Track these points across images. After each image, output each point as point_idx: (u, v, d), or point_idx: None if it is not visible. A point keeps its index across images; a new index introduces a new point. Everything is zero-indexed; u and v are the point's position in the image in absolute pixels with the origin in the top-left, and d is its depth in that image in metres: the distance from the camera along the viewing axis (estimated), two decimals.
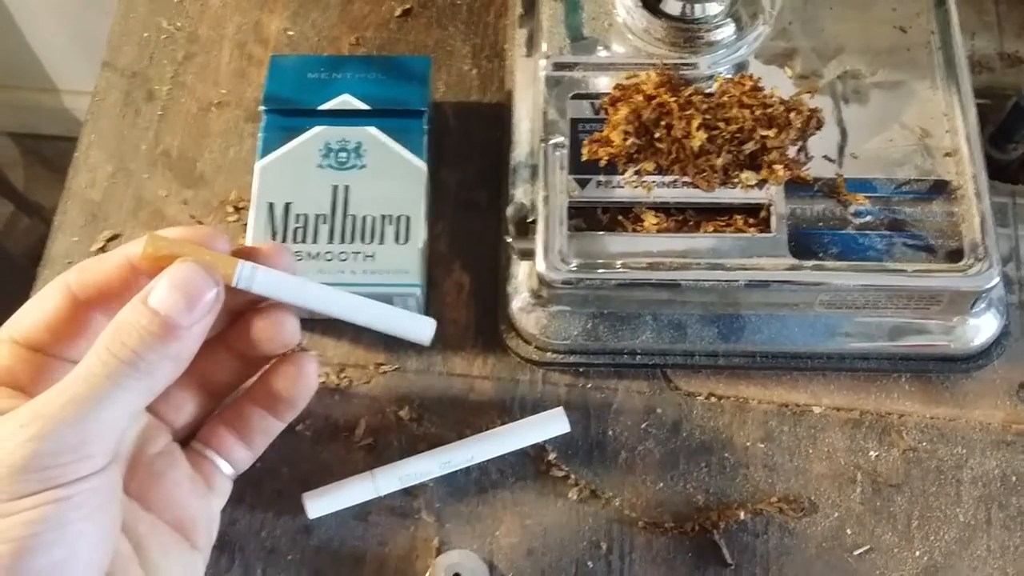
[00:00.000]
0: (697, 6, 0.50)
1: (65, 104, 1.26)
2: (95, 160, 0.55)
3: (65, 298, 0.37)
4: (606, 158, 0.48)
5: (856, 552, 0.46)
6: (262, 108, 0.51)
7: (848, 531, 0.46)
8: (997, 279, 0.45)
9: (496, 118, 0.55)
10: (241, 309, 0.39)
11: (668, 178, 0.48)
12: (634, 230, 0.47)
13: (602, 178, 0.48)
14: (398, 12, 0.59)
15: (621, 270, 0.46)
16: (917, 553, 0.46)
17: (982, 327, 0.48)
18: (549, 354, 0.49)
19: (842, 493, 0.47)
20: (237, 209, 0.53)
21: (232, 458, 0.41)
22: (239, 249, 0.38)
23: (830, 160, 0.48)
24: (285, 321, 0.39)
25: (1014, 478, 0.47)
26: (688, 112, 0.47)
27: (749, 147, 0.47)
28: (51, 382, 0.36)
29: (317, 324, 0.51)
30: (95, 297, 0.37)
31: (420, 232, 0.49)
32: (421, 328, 0.39)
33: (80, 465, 0.32)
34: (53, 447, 0.32)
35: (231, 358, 0.40)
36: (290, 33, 0.58)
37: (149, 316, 0.34)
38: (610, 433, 0.48)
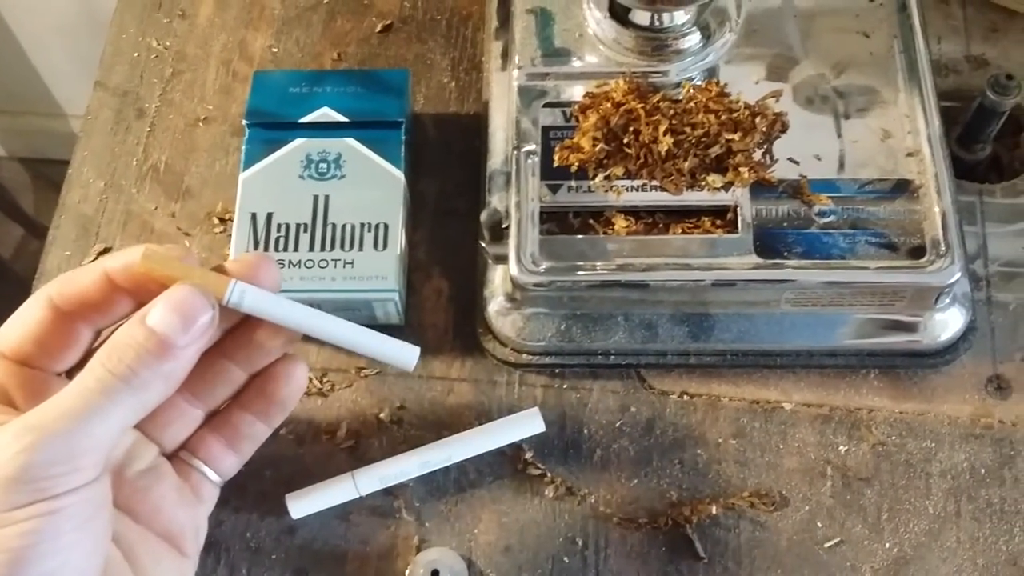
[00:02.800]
0: (665, 16, 0.52)
1: (73, 129, 1.28)
2: (87, 176, 0.57)
3: (48, 310, 0.38)
4: (576, 164, 0.49)
5: (827, 544, 0.47)
6: (245, 122, 0.53)
7: (819, 524, 0.47)
8: (958, 274, 0.46)
9: (474, 128, 0.56)
10: (238, 321, 0.40)
11: (637, 182, 0.49)
12: (605, 233, 0.49)
13: (573, 183, 0.49)
14: (379, 28, 0.60)
15: (591, 272, 0.47)
16: (887, 545, 0.47)
17: (948, 322, 0.49)
18: (525, 356, 0.50)
19: (812, 487, 0.48)
20: (222, 220, 0.55)
21: (219, 466, 0.42)
22: (222, 264, 0.39)
23: (794, 162, 0.49)
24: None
25: (983, 470, 0.48)
26: (655, 118, 0.49)
27: (715, 151, 0.48)
28: (38, 395, 0.37)
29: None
30: (77, 308, 0.38)
31: (398, 239, 0.50)
32: (405, 355, 0.40)
33: (71, 477, 0.33)
34: (45, 459, 0.33)
35: (225, 369, 0.41)
36: (274, 50, 0.60)
37: (146, 334, 0.35)
38: (585, 432, 0.50)
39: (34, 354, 0.38)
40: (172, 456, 0.42)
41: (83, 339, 0.39)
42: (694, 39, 0.52)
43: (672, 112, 0.49)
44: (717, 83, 0.50)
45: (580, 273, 0.47)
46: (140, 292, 0.37)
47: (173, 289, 0.36)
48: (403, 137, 0.52)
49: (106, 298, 0.38)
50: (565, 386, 0.51)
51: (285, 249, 0.50)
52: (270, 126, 0.53)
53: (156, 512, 0.39)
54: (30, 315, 0.38)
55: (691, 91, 0.50)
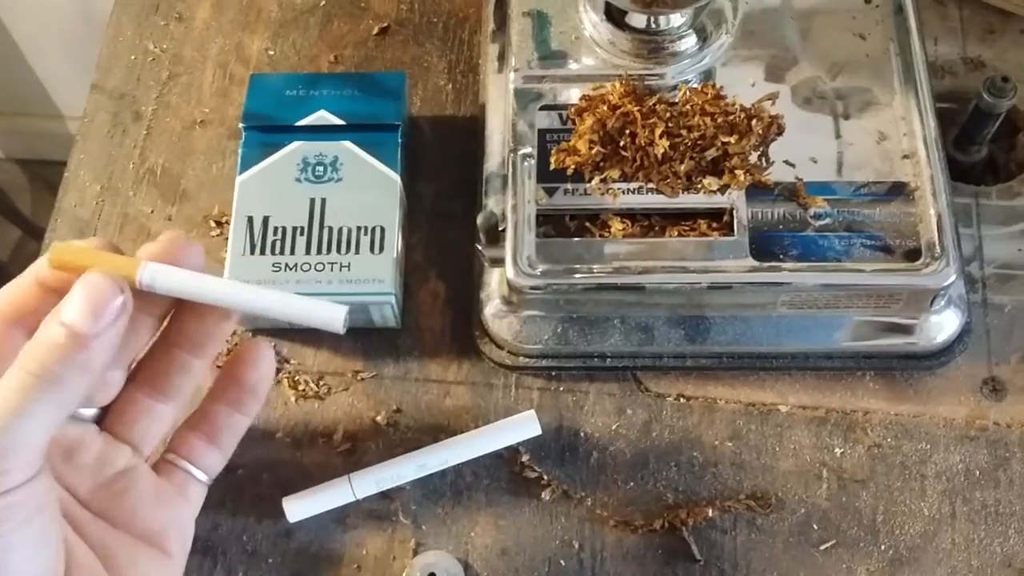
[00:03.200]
0: (661, 18, 0.52)
1: (71, 130, 1.28)
2: (84, 179, 0.57)
3: None
4: (573, 167, 0.49)
5: (822, 547, 0.47)
6: (241, 125, 0.53)
7: (814, 526, 0.47)
8: (953, 277, 0.46)
9: (471, 131, 0.56)
10: (172, 306, 0.40)
11: (633, 185, 0.49)
12: (601, 236, 0.49)
13: (569, 186, 0.49)
14: (375, 30, 0.60)
15: (587, 274, 0.47)
16: (883, 547, 0.47)
17: (944, 324, 0.49)
18: (522, 358, 0.50)
19: (808, 489, 0.48)
20: (219, 224, 0.55)
21: (203, 463, 0.42)
22: (144, 249, 0.38)
23: (790, 165, 0.49)
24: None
25: (977, 472, 0.48)
26: (651, 121, 0.49)
27: (711, 153, 0.48)
28: None
29: (297, 334, 0.52)
30: (16, 318, 0.37)
31: (394, 242, 0.50)
32: (332, 316, 0.38)
33: (0, 479, 0.33)
34: None
35: (177, 358, 0.41)
36: (271, 53, 0.60)
37: (57, 329, 0.35)
38: (582, 434, 0.50)
39: None
40: (158, 459, 0.42)
41: (20, 346, 0.39)
42: (690, 41, 0.52)
43: (668, 115, 0.49)
44: (713, 86, 0.50)
45: (576, 276, 0.47)
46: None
47: (82, 278, 0.36)
48: (400, 140, 0.52)
49: (43, 304, 0.37)
50: (562, 389, 0.51)
51: (282, 252, 0.50)
52: (267, 129, 0.53)
53: (133, 514, 0.39)
54: None
55: (687, 94, 0.50)
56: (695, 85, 0.51)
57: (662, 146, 0.48)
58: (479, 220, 0.49)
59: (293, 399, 0.51)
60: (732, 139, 0.48)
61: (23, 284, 0.38)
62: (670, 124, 0.49)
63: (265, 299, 0.38)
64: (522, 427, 0.48)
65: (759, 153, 0.49)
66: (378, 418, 0.50)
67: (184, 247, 0.38)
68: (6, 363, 0.37)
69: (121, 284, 0.36)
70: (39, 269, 0.37)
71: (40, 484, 0.35)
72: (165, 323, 0.40)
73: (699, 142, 0.49)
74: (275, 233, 0.50)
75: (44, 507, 0.35)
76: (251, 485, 0.49)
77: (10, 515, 0.33)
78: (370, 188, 0.51)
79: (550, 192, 0.49)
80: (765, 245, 0.47)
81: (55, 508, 0.36)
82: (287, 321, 0.38)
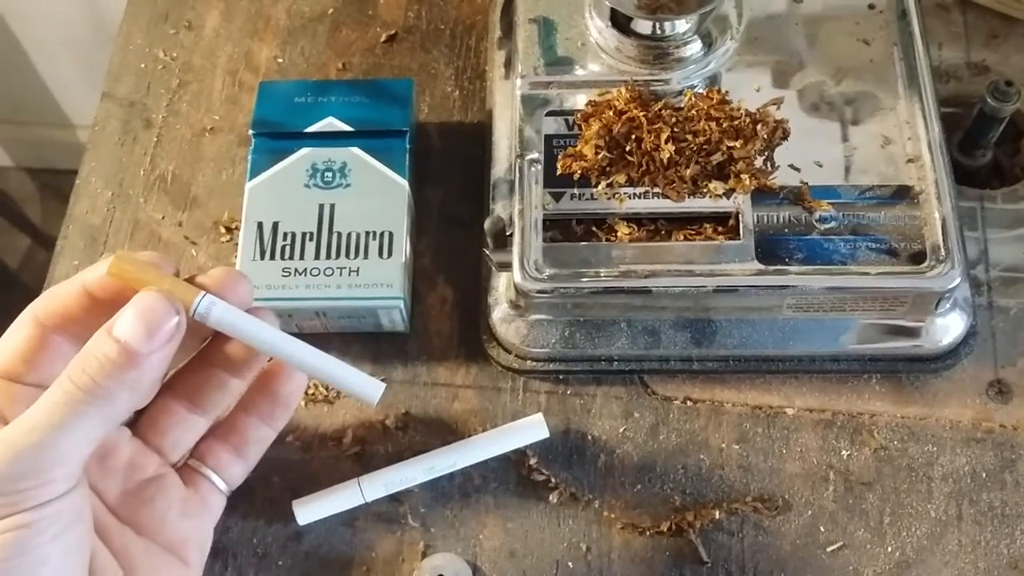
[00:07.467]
0: (666, 24, 0.52)
1: (80, 139, 1.29)
2: (95, 186, 0.58)
3: (34, 327, 0.38)
4: (579, 172, 0.50)
5: (829, 549, 0.47)
6: (251, 132, 0.53)
7: (821, 528, 0.48)
8: (958, 280, 0.46)
9: (478, 137, 0.57)
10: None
11: (639, 189, 0.49)
12: (607, 240, 0.49)
13: (576, 191, 0.50)
14: (383, 37, 0.61)
15: (594, 278, 0.47)
16: (889, 549, 0.47)
17: (950, 327, 0.49)
18: (529, 362, 0.51)
19: (815, 492, 0.48)
20: (229, 229, 0.55)
21: (227, 473, 0.42)
22: (194, 276, 0.38)
23: (795, 169, 0.49)
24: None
25: (984, 474, 0.48)
26: (657, 126, 0.49)
27: (716, 158, 0.49)
28: (26, 409, 0.37)
29: (305, 339, 0.52)
30: (61, 323, 0.38)
31: (403, 247, 0.50)
32: (369, 389, 0.39)
33: (41, 491, 0.34)
34: (12, 473, 0.33)
35: (215, 375, 0.41)
36: (280, 60, 0.61)
37: (110, 345, 0.35)
38: (589, 437, 0.50)
39: (23, 371, 0.38)
40: (182, 466, 0.42)
41: (70, 353, 0.39)
42: (695, 47, 0.52)
43: (674, 120, 0.50)
44: (718, 91, 0.51)
45: (583, 280, 0.48)
46: (120, 303, 0.37)
47: (138, 296, 0.36)
48: (407, 146, 0.53)
49: (87, 312, 0.38)
50: (569, 392, 0.51)
51: (291, 257, 0.50)
52: (276, 136, 0.53)
53: (159, 523, 0.40)
54: (17, 334, 0.38)
55: (693, 99, 0.51)
56: (700, 90, 0.51)
57: (668, 151, 0.49)
58: (486, 225, 0.49)
59: (303, 403, 0.51)
60: (737, 144, 0.49)
61: (70, 291, 0.38)
62: (676, 129, 0.49)
63: (312, 361, 0.38)
64: (530, 430, 0.49)
65: (764, 157, 0.50)
66: (387, 421, 0.51)
67: (236, 282, 0.38)
68: (47, 369, 0.38)
69: (176, 306, 0.36)
70: (88, 278, 0.38)
71: (78, 495, 0.35)
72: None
73: (704, 147, 0.49)
74: (285, 238, 0.51)
75: (80, 518, 0.35)
76: (261, 488, 0.49)
77: (48, 526, 0.34)
78: (378, 194, 0.52)
79: (557, 197, 0.50)
80: (771, 249, 0.48)
81: (89, 518, 0.36)
82: (326, 383, 0.39)
